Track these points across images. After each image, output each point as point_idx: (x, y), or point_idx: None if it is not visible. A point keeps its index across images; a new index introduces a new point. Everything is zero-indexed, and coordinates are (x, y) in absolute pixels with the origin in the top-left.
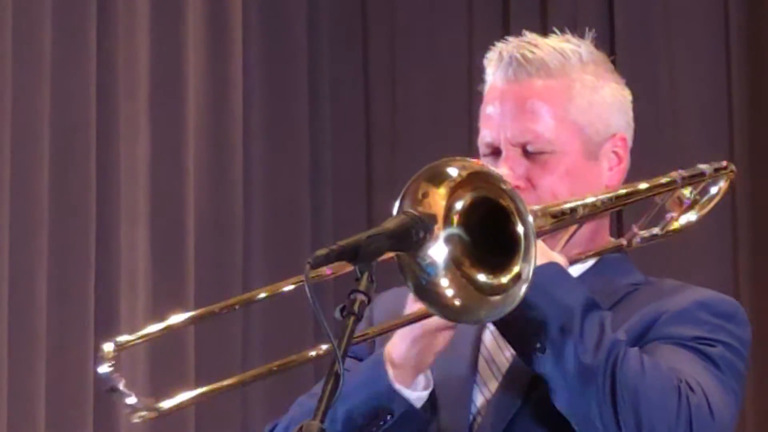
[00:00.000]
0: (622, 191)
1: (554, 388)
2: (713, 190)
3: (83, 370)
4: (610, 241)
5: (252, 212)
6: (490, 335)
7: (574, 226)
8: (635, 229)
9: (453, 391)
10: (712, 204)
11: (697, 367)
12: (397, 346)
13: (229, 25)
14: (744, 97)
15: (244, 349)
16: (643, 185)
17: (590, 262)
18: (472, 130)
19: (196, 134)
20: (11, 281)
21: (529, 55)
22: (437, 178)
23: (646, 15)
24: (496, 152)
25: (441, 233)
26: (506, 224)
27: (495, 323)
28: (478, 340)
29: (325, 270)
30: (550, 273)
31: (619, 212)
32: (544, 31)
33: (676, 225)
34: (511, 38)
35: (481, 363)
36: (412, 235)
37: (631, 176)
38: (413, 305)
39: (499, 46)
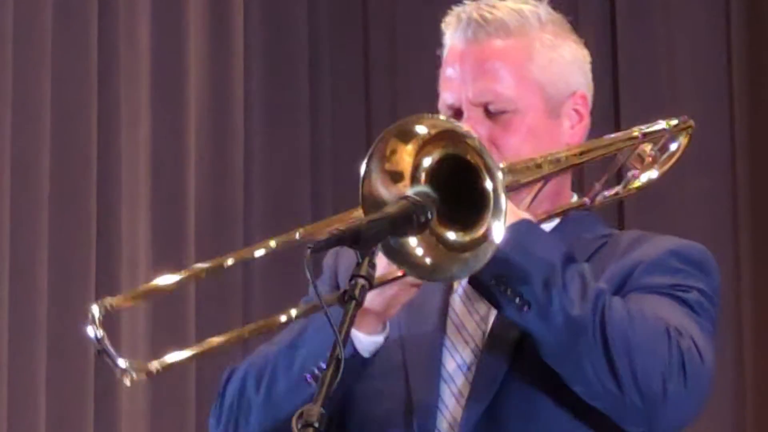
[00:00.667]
0: (585, 147)
1: (542, 343)
2: (673, 146)
3: (84, 355)
4: (573, 200)
5: (252, 198)
6: (458, 299)
7: (539, 185)
8: (598, 187)
9: (422, 355)
10: (672, 160)
11: (679, 312)
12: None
13: (230, 10)
14: (744, 78)
15: (245, 314)
16: (604, 141)
17: (555, 221)
18: None
19: (197, 119)
20: (12, 266)
21: (488, 15)
22: (406, 135)
23: None
24: (457, 114)
25: (408, 191)
26: (475, 181)
27: (475, 285)
28: (445, 304)
29: None
30: (524, 229)
31: (580, 173)
32: None
33: (637, 183)
34: (468, 1)
35: (450, 327)
36: (413, 220)
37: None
38: (383, 264)
39: (457, 9)
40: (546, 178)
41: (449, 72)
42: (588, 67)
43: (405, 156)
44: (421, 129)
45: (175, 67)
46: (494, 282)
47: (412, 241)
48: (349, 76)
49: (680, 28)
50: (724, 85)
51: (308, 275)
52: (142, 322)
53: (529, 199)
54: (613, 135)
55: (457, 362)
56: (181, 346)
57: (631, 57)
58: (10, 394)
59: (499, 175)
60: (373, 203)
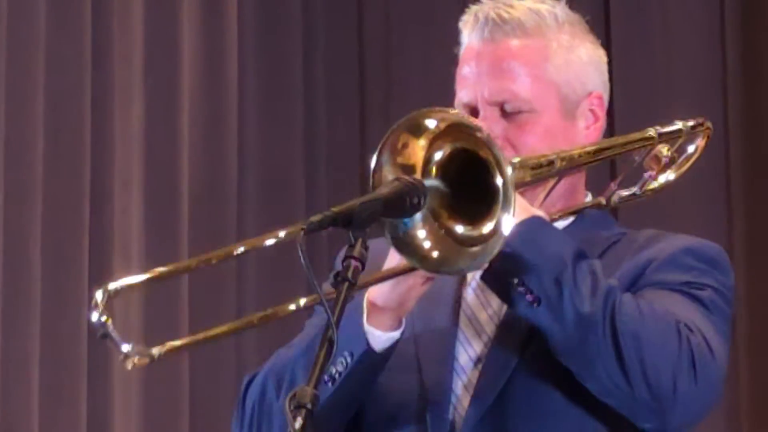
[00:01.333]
0: (600, 146)
1: (552, 339)
2: (690, 148)
3: (77, 334)
4: (588, 199)
5: (246, 179)
6: (471, 292)
7: (552, 182)
8: (613, 187)
9: (435, 349)
10: (690, 162)
11: (691, 309)
12: (381, 288)
13: None
14: (738, 69)
15: (238, 312)
16: (620, 140)
17: (569, 219)
18: None
19: (190, 100)
20: (5, 246)
21: (505, 15)
22: (417, 129)
23: None
24: (473, 112)
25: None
26: (485, 175)
27: (487, 280)
28: (458, 297)
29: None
30: (535, 225)
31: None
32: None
33: (654, 184)
34: (485, 0)
35: (463, 320)
36: (406, 201)
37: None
38: (394, 257)
39: (474, 7)
40: (559, 176)
41: (465, 71)
42: (605, 67)
43: (416, 149)
44: (432, 123)
45: (169, 50)
46: (505, 277)
47: (421, 233)
48: (343, 59)
49: (675, 24)
50: (719, 81)
51: (301, 257)
52: (134, 315)
53: (542, 196)
54: (628, 135)
55: (469, 355)
56: (174, 338)
57: (626, 54)
58: (3, 377)
59: (509, 170)
60: None
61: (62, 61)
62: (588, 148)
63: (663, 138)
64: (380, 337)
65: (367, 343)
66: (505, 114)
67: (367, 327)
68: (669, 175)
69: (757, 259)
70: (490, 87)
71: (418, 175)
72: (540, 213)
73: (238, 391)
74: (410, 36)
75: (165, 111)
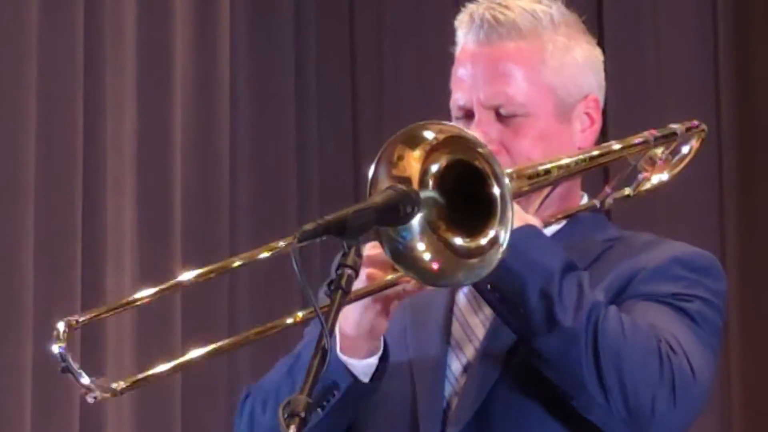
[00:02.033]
0: (596, 152)
1: (537, 352)
2: (684, 149)
3: (70, 341)
4: (583, 201)
5: (238, 185)
6: (464, 297)
7: (548, 189)
8: (607, 189)
9: (427, 356)
10: (683, 163)
11: (676, 324)
12: (349, 315)
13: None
14: (731, 76)
15: (230, 324)
16: (616, 145)
17: (563, 222)
18: None
19: (183, 107)
20: None
21: (501, 17)
22: (413, 140)
23: None
24: (468, 115)
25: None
26: (482, 187)
27: (474, 287)
28: (451, 302)
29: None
30: (526, 235)
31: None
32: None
33: (648, 185)
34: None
35: (455, 326)
36: (400, 210)
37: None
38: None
39: (470, 7)
40: (557, 183)
41: (461, 72)
42: (601, 67)
43: (412, 161)
44: (429, 135)
45: (161, 56)
46: (491, 286)
47: (420, 246)
48: (335, 65)
49: (667, 30)
50: (712, 87)
51: (295, 266)
52: (127, 335)
53: (537, 202)
54: (624, 139)
55: (461, 362)
56: (167, 356)
57: (618, 60)
58: None
59: (507, 181)
60: None
61: (54, 67)
62: (585, 155)
63: (659, 141)
64: (356, 365)
65: (353, 376)
66: (501, 117)
67: (343, 358)
68: (662, 176)
69: (749, 265)
70: (485, 91)
71: (415, 187)
72: (534, 220)
73: (231, 403)
74: (402, 43)
75: (157, 117)
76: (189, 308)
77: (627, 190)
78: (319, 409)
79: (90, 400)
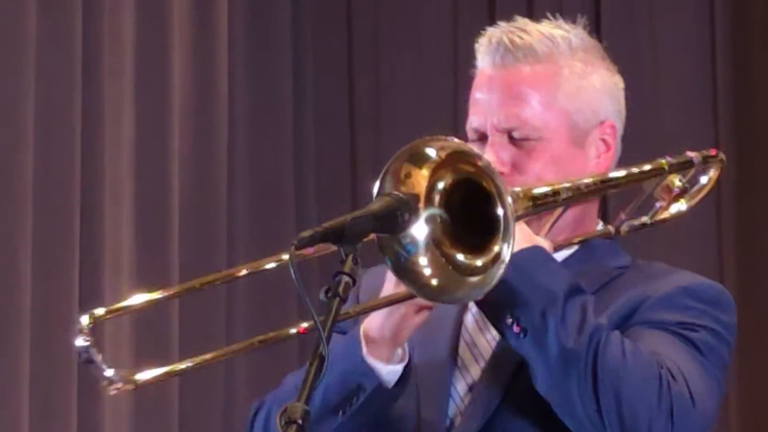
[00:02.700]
0: (606, 176)
1: (536, 371)
2: (703, 179)
3: (67, 348)
4: (598, 228)
5: (236, 193)
6: (471, 317)
7: (559, 210)
8: (623, 216)
9: (433, 375)
10: (702, 193)
11: (680, 352)
12: (374, 319)
13: (214, 6)
14: (729, 85)
15: (228, 330)
16: (629, 170)
17: (576, 247)
18: (457, 111)
19: (180, 114)
20: None
21: (518, 41)
22: (418, 158)
23: (631, 3)
24: (483, 138)
25: (422, 213)
26: (487, 205)
27: (478, 305)
28: (459, 322)
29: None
30: (533, 257)
31: (604, 201)
32: (530, 12)
33: (665, 214)
34: (502, 23)
35: (462, 346)
36: (397, 217)
37: (619, 166)
38: (391, 284)
39: (489, 30)
40: (566, 205)
41: (477, 95)
42: (620, 95)
43: (420, 179)
44: (433, 151)
45: (159, 63)
46: (495, 306)
47: (422, 260)
48: (332, 71)
49: (665, 41)
50: (710, 98)
51: (292, 273)
52: (125, 341)
53: (548, 225)
54: (638, 165)
55: (466, 381)
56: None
57: (615, 63)
58: None
59: (509, 200)
60: None
61: (52, 75)
62: (595, 179)
63: (673, 169)
64: (381, 369)
65: (378, 379)
66: (513, 141)
67: (370, 360)
68: (681, 206)
69: (747, 274)
70: (498, 114)
71: (422, 204)
72: (543, 242)
73: (228, 406)
74: (399, 49)
75: (155, 125)
76: (186, 314)
77: (644, 219)
78: (340, 412)
79: (113, 392)
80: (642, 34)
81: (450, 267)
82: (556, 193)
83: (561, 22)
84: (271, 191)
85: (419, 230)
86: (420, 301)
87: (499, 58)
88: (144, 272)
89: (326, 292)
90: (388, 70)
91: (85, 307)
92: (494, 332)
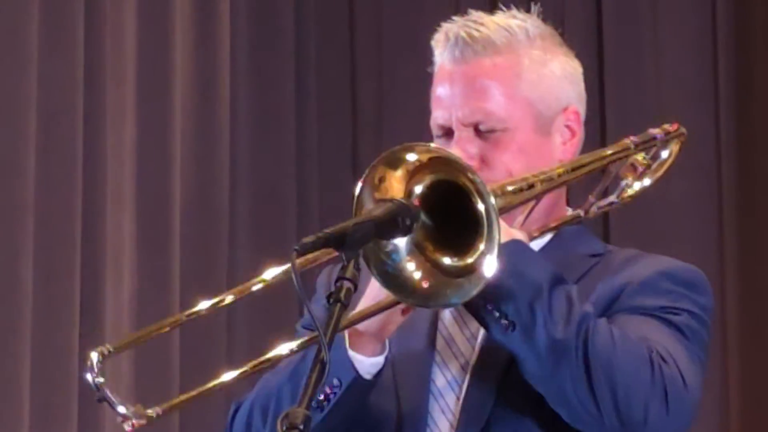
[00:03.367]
0: (577, 162)
1: (526, 364)
2: (664, 154)
3: (69, 353)
4: (568, 213)
5: (238, 198)
6: (449, 314)
7: (532, 203)
8: (591, 199)
9: (412, 371)
10: (664, 168)
11: (665, 335)
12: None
13: (216, 10)
14: (731, 84)
15: (229, 333)
16: (597, 154)
17: (548, 236)
18: None
19: (182, 119)
20: None
21: (475, 33)
22: (395, 163)
23: (633, 4)
24: (448, 133)
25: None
26: (468, 205)
27: (465, 304)
28: (435, 318)
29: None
30: (514, 250)
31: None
32: None
33: (631, 191)
34: (456, 17)
35: (440, 342)
36: (399, 223)
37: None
38: (375, 288)
39: (445, 26)
40: (540, 197)
41: (439, 91)
42: (580, 79)
43: (394, 183)
44: (411, 156)
45: (161, 69)
46: (481, 302)
47: (408, 267)
48: (335, 75)
49: (666, 42)
50: (711, 98)
51: (294, 279)
52: (125, 356)
53: (522, 217)
54: (605, 148)
55: (446, 378)
56: (165, 382)
57: (618, 64)
58: None
59: (492, 199)
60: None
61: (54, 80)
62: (567, 167)
63: (639, 147)
64: (364, 362)
65: (356, 371)
66: (480, 134)
67: (351, 353)
68: (645, 182)
69: (749, 276)
70: (463, 108)
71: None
72: (519, 235)
73: (227, 411)
74: (402, 55)
75: (157, 129)
76: (187, 343)
77: (611, 198)
78: (318, 411)
79: (128, 428)
80: (644, 35)
81: (437, 271)
82: (531, 186)
83: (515, 11)
84: (273, 196)
85: (401, 237)
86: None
87: (458, 52)
88: (145, 277)
89: (328, 298)
90: (391, 75)
91: (86, 312)
92: (473, 329)
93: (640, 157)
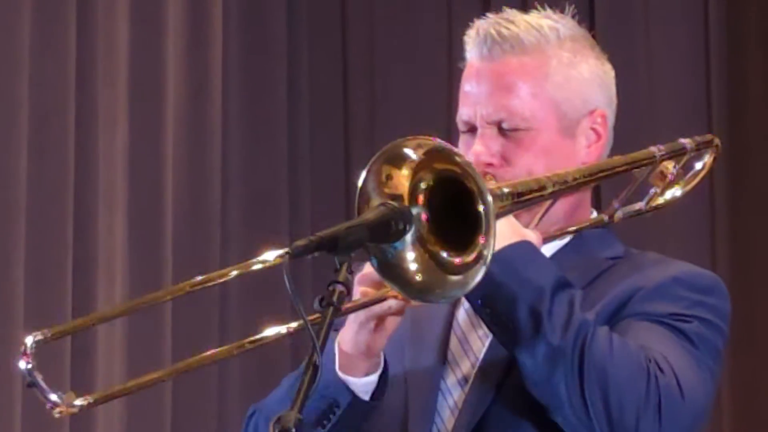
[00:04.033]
0: (595, 167)
1: (523, 367)
2: (698, 165)
3: (61, 356)
4: (592, 216)
5: (230, 201)
6: (464, 313)
7: (549, 202)
8: (615, 204)
9: (423, 370)
10: (697, 179)
11: (671, 344)
12: (346, 333)
13: (209, 14)
14: (723, 92)
15: (221, 335)
16: (619, 160)
17: (568, 238)
18: (452, 121)
19: (174, 121)
20: None
21: (505, 32)
22: (397, 159)
23: (626, 5)
24: (472, 129)
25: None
26: (469, 203)
27: (470, 303)
28: (450, 318)
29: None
30: (520, 252)
31: (596, 188)
32: None
33: (660, 200)
34: (490, 14)
35: (453, 342)
36: (392, 227)
37: (612, 154)
38: (358, 290)
39: (477, 23)
40: (554, 198)
41: (466, 87)
42: (611, 83)
43: (401, 179)
44: (410, 152)
45: (153, 71)
46: (483, 302)
47: (408, 258)
48: (327, 79)
49: (659, 52)
50: (704, 109)
51: (287, 282)
52: (117, 347)
53: (539, 215)
54: (628, 155)
55: (456, 376)
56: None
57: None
58: None
59: (490, 199)
60: None
61: (46, 81)
62: (583, 170)
63: (666, 156)
64: (356, 383)
65: (352, 394)
66: (503, 132)
67: (342, 376)
68: (675, 191)
69: (740, 282)
70: (487, 105)
71: (405, 203)
72: (532, 235)
73: (221, 416)
74: (394, 59)
75: (149, 131)
76: (179, 324)
77: (638, 205)
78: (320, 428)
79: (57, 415)
80: (636, 44)
81: (435, 265)
82: (542, 187)
83: (549, 12)
84: (265, 199)
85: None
86: (384, 308)
87: (486, 50)
88: (137, 279)
89: (320, 301)
90: (383, 80)
91: (78, 314)
92: (486, 328)
93: (669, 165)
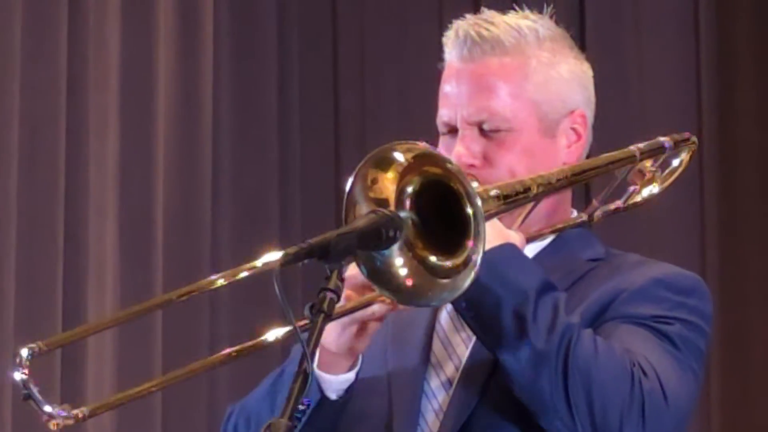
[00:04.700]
0: (578, 167)
1: (508, 371)
2: (675, 162)
3: (51, 362)
4: (572, 216)
5: (220, 207)
6: (446, 315)
7: (530, 205)
8: (596, 203)
9: (406, 373)
10: (674, 176)
11: (654, 347)
12: (330, 333)
13: (199, 19)
14: (713, 98)
15: (211, 348)
16: (600, 160)
17: (549, 238)
18: None
19: (165, 128)
20: None
21: (485, 33)
22: (384, 163)
23: (617, 12)
24: (453, 131)
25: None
26: (457, 207)
27: (452, 305)
28: (433, 320)
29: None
30: (504, 255)
31: (587, 187)
32: None
33: (638, 197)
34: (469, 15)
35: (436, 344)
36: (383, 234)
37: (591, 154)
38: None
39: (456, 23)
40: (538, 200)
41: (446, 89)
42: (590, 83)
43: (387, 183)
44: (399, 156)
45: (145, 76)
46: (467, 305)
47: (396, 264)
48: (318, 85)
49: (650, 59)
50: (694, 116)
51: (277, 289)
52: (108, 358)
53: (520, 219)
54: (609, 154)
55: (440, 379)
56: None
57: (600, 79)
58: None
59: (478, 202)
60: None
61: (37, 87)
62: (566, 171)
63: (645, 155)
64: (332, 381)
65: (321, 392)
66: (484, 133)
67: (318, 373)
68: (653, 189)
69: (729, 288)
70: (468, 107)
71: (392, 208)
72: (515, 237)
73: (210, 422)
74: (384, 63)
75: (140, 138)
76: (169, 332)
77: (617, 203)
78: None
79: (53, 427)
80: (627, 51)
81: (424, 270)
82: (527, 189)
83: (528, 12)
84: (255, 207)
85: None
86: (375, 309)
87: (466, 51)
88: (127, 287)
89: (311, 309)
90: (373, 85)
91: (68, 322)
92: (469, 331)
93: (648, 163)
